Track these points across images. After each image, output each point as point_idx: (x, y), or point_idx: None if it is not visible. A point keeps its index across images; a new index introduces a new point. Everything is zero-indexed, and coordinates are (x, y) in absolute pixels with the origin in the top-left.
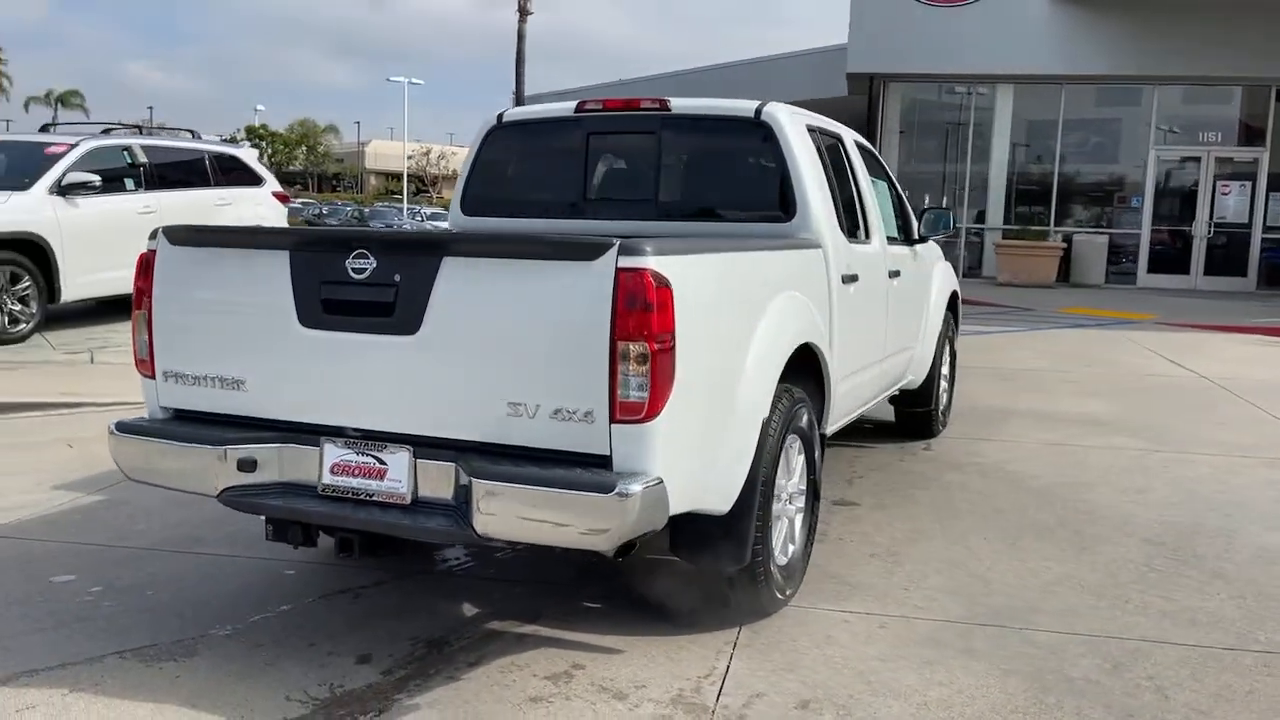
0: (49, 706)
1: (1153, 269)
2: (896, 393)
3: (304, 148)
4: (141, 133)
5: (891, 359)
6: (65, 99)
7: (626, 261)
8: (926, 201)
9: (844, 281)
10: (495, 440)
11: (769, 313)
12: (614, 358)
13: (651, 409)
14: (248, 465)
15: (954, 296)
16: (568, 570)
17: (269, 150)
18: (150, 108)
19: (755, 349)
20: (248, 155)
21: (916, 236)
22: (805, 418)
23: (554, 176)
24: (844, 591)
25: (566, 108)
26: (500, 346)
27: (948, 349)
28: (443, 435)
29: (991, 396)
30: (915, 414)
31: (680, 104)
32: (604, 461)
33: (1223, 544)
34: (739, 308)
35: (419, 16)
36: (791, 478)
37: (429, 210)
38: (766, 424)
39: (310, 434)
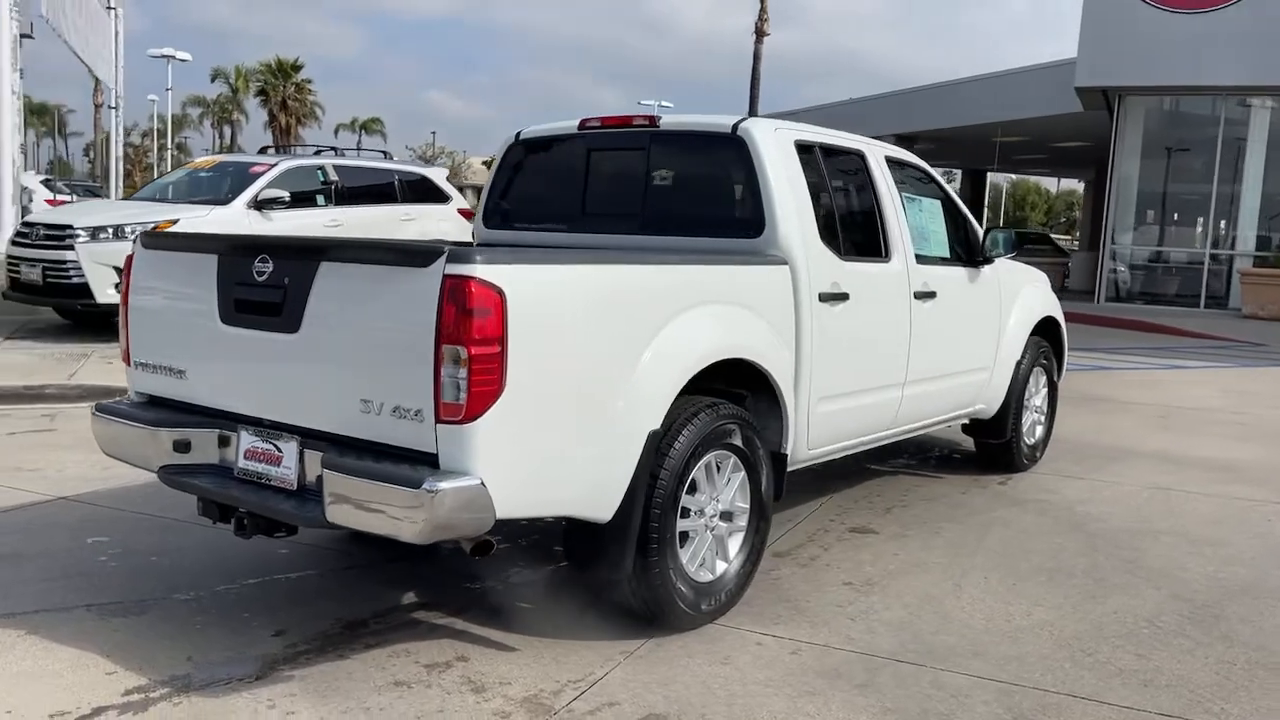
0: None
1: None
2: (965, 421)
3: None
4: (337, 154)
5: (928, 384)
6: (367, 125)
7: (454, 269)
8: (1130, 219)
9: (823, 300)
10: (354, 435)
11: (673, 325)
12: (438, 360)
13: (471, 411)
14: (182, 446)
15: (1048, 323)
16: (531, 572)
17: None
18: (433, 132)
19: (645, 361)
20: (436, 175)
21: (981, 257)
22: (740, 435)
23: (559, 191)
24: (784, 615)
25: (572, 125)
26: (357, 346)
27: (1043, 379)
28: (319, 428)
29: (1123, 434)
30: (990, 445)
31: (668, 120)
32: (433, 460)
33: (1262, 607)
34: (618, 319)
35: (691, 42)
36: (722, 494)
37: None
38: (656, 437)
39: (233, 421)
